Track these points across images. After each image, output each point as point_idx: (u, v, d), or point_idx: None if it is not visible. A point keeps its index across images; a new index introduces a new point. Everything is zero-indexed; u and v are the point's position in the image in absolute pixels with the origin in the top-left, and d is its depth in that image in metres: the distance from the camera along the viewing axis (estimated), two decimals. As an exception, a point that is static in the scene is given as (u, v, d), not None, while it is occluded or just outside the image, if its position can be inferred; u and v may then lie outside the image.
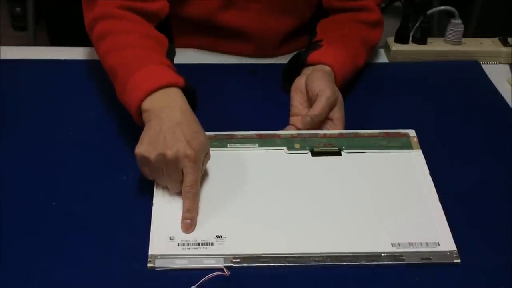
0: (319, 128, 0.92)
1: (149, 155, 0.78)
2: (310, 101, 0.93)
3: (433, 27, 1.87)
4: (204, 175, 0.84)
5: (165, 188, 0.82)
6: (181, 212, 0.79)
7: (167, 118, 0.81)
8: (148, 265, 0.74)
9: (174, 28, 1.08)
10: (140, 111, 0.84)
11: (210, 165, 0.86)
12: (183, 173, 0.79)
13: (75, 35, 1.11)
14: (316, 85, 0.92)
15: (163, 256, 0.74)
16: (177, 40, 1.10)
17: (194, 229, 0.78)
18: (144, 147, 0.79)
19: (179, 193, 0.80)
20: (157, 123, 0.81)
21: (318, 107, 0.90)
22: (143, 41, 0.92)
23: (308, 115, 0.90)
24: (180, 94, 0.85)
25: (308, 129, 0.91)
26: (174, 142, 0.78)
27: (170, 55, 0.97)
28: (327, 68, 0.96)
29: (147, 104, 0.83)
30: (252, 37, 1.08)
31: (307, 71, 0.97)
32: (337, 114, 0.92)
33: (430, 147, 0.91)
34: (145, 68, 0.86)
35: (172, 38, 1.03)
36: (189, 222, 0.78)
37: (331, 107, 0.91)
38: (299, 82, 0.96)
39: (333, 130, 0.92)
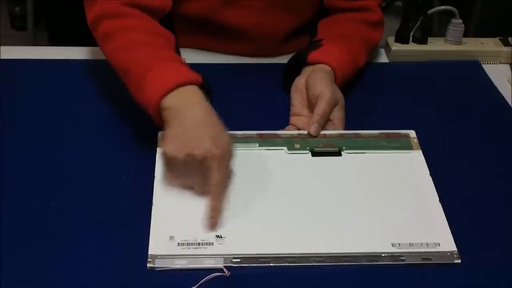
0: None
1: (176, 155, 0.78)
2: (310, 101, 0.93)
3: (434, 27, 1.87)
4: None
5: (165, 188, 0.82)
6: (181, 212, 0.79)
7: (189, 117, 0.80)
8: (148, 265, 0.74)
9: (175, 26, 1.08)
10: (159, 109, 0.83)
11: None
12: (208, 172, 0.78)
13: (75, 35, 1.11)
14: (316, 86, 0.92)
15: (163, 256, 0.74)
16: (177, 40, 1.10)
17: (217, 228, 0.77)
18: (171, 147, 0.79)
19: (204, 193, 0.80)
20: (180, 122, 0.80)
21: (320, 110, 0.90)
22: (153, 38, 0.92)
23: (314, 121, 0.90)
24: (199, 92, 0.85)
25: (318, 134, 0.90)
26: (201, 142, 0.78)
27: (177, 51, 0.97)
28: (327, 67, 0.96)
29: (167, 102, 0.82)
30: (252, 36, 1.08)
31: (307, 70, 0.97)
32: (337, 114, 0.92)
33: (430, 147, 0.91)
34: (162, 66, 0.86)
35: (175, 34, 1.03)
36: (213, 222, 0.78)
37: (332, 108, 0.91)
38: (300, 82, 0.96)
39: (333, 130, 0.92)
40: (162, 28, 0.95)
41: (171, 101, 0.82)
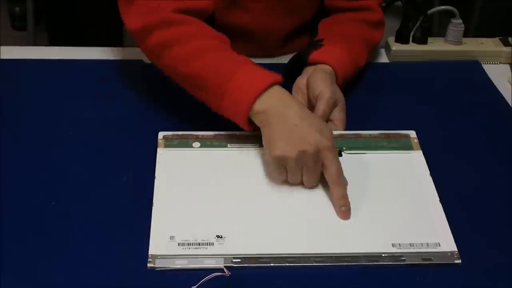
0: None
1: (290, 155, 0.79)
2: (310, 101, 0.93)
3: (434, 27, 1.87)
4: (204, 175, 0.84)
5: (165, 187, 0.82)
6: (181, 212, 0.79)
7: (289, 116, 0.81)
8: (148, 265, 0.74)
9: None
10: (249, 115, 0.82)
11: (210, 165, 0.86)
12: (322, 166, 0.80)
13: (75, 35, 1.11)
14: (316, 86, 0.92)
15: (163, 256, 0.74)
16: None
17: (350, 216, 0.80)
18: (282, 148, 0.79)
19: (315, 186, 0.82)
20: (280, 122, 0.80)
21: (320, 110, 0.90)
22: (216, 42, 0.90)
23: None
24: (285, 90, 0.85)
25: None
26: (311, 137, 0.79)
27: None
28: (328, 67, 0.95)
29: (260, 106, 0.82)
30: (253, 37, 1.08)
31: (308, 70, 0.97)
32: (338, 115, 0.92)
33: (431, 147, 0.91)
34: (243, 71, 0.84)
35: None
36: (345, 209, 0.79)
37: (332, 108, 0.91)
38: (300, 82, 0.96)
39: (334, 130, 0.91)
40: (215, 30, 0.93)
41: (265, 103, 0.82)
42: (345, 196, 0.80)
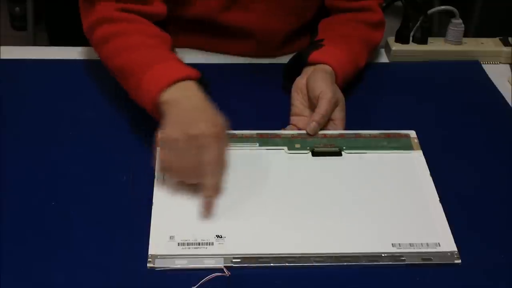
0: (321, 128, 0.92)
1: (175, 136, 0.79)
2: (311, 101, 0.93)
3: (434, 27, 1.87)
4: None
5: (165, 187, 0.82)
6: (181, 212, 0.79)
7: (186, 104, 0.82)
8: (148, 265, 0.74)
9: (176, 28, 1.08)
10: (157, 104, 0.84)
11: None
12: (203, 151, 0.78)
13: (75, 35, 1.11)
14: (317, 86, 0.92)
15: (163, 256, 0.74)
16: (178, 40, 1.10)
17: (212, 212, 0.78)
18: (168, 130, 0.80)
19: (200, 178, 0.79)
20: (177, 109, 0.81)
21: (322, 109, 0.90)
22: (150, 40, 0.93)
23: (313, 121, 0.90)
24: (196, 86, 0.85)
25: (316, 134, 0.90)
26: (197, 122, 0.79)
27: (173, 51, 0.97)
28: (328, 68, 0.96)
29: (165, 96, 0.83)
30: (254, 37, 1.08)
31: (308, 70, 0.97)
32: (338, 114, 0.92)
33: (431, 147, 0.91)
34: (160, 65, 0.87)
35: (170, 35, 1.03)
36: (209, 201, 0.78)
37: (333, 108, 0.91)
38: (300, 82, 0.96)
39: (334, 130, 0.92)
40: (158, 29, 0.96)
41: (169, 95, 0.83)
42: (211, 188, 0.78)
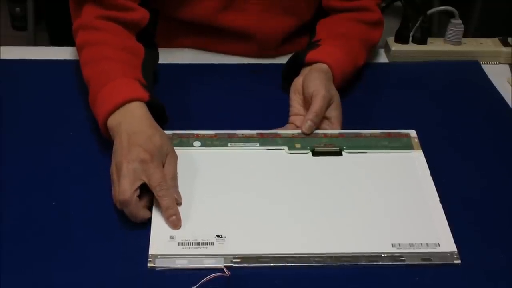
0: (317, 127, 0.92)
1: (113, 171, 0.80)
2: (306, 101, 0.93)
3: (433, 27, 1.88)
4: (204, 174, 0.84)
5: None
6: (181, 212, 0.79)
7: (124, 131, 0.82)
8: (148, 265, 0.74)
9: (175, 29, 1.08)
10: (107, 130, 0.85)
11: (211, 164, 0.86)
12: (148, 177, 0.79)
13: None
14: (311, 86, 0.92)
15: (163, 256, 0.74)
16: (177, 40, 1.10)
17: (180, 224, 0.78)
18: (112, 165, 0.81)
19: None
20: (117, 139, 0.82)
21: (315, 107, 0.90)
22: (118, 53, 0.93)
23: (307, 119, 0.90)
24: (141, 106, 0.85)
25: (312, 132, 0.90)
26: (131, 153, 0.79)
27: (148, 64, 0.97)
28: (325, 66, 0.95)
29: (110, 121, 0.85)
30: (252, 37, 1.08)
31: (305, 71, 0.97)
32: (334, 112, 0.92)
33: (431, 147, 0.91)
34: (112, 83, 0.87)
35: (155, 43, 1.03)
36: (175, 218, 0.78)
37: (328, 105, 0.91)
38: (298, 82, 0.96)
39: (330, 128, 0.92)
40: (133, 42, 0.97)
41: (114, 120, 0.84)
42: (171, 207, 0.78)
